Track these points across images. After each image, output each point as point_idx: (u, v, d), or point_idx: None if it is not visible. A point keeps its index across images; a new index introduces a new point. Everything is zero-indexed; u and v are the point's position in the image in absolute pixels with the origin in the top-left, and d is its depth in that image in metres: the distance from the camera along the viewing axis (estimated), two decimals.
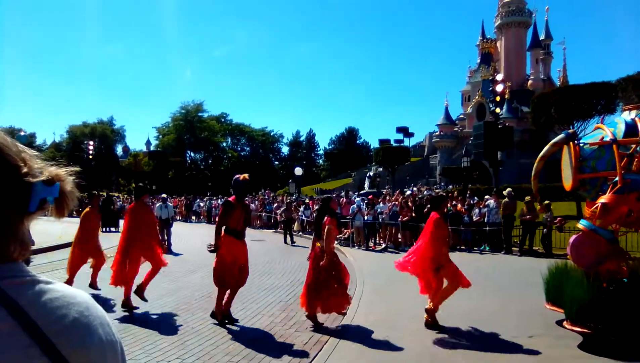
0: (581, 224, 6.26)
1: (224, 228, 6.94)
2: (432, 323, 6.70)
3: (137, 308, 7.57)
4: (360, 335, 6.43)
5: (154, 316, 7.28)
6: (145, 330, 6.55)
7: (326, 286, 6.82)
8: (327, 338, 6.23)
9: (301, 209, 22.78)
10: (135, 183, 79.32)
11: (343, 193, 29.22)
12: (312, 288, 6.87)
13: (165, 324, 6.88)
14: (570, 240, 6.43)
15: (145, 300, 7.70)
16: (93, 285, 9.00)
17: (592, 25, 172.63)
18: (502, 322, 7.01)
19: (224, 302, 6.99)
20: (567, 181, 6.50)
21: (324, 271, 6.89)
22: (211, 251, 7.01)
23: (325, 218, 7.09)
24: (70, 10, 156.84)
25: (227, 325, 6.82)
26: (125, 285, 7.55)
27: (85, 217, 9.57)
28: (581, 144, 6.33)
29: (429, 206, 7.22)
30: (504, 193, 16.58)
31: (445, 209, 7.21)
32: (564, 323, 6.09)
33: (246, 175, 7.34)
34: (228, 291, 7.03)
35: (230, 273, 6.87)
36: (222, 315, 6.94)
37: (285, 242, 18.90)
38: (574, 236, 6.40)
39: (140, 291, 7.67)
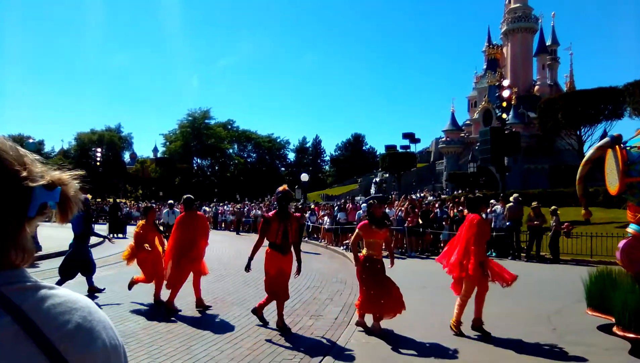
0: (632, 228, 6.16)
1: (265, 242, 7.17)
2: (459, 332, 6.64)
3: (180, 310, 8.00)
4: (365, 340, 6.41)
5: (159, 322, 7.29)
6: (150, 335, 6.56)
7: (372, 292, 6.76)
8: (333, 343, 6.22)
9: (307, 214, 22.80)
10: (142, 190, 79.86)
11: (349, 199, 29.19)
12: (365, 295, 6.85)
13: (170, 329, 6.89)
14: (620, 245, 6.32)
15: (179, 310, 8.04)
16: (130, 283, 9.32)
17: (599, 30, 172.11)
18: (508, 326, 6.96)
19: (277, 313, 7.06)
20: (613, 186, 6.26)
21: (361, 277, 6.90)
22: (246, 270, 7.18)
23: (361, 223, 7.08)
24: (78, 19, 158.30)
25: (231, 332, 6.82)
26: (173, 288, 8.04)
27: (139, 236, 9.00)
28: (628, 148, 6.13)
29: (465, 208, 7.08)
30: (510, 198, 16.52)
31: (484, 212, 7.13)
32: (614, 329, 5.92)
33: (285, 186, 7.39)
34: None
35: (277, 285, 6.97)
36: (278, 326, 6.97)
37: None
38: (624, 241, 6.28)
39: (201, 302, 8.28)
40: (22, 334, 0.83)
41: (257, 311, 7.25)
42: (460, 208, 17.00)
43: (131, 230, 25.67)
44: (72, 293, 0.96)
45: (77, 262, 9.11)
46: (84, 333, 0.89)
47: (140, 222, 9.28)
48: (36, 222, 0.97)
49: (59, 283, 8.36)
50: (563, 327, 6.96)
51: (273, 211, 7.22)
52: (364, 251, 7.03)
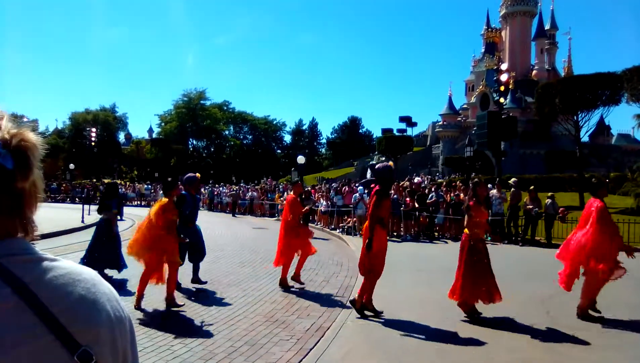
0: None
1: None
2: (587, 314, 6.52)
3: (292, 287, 8.39)
4: (362, 321, 6.45)
5: (157, 302, 7.30)
6: (148, 315, 6.59)
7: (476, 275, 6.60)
8: (329, 324, 6.26)
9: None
10: (137, 170, 79.55)
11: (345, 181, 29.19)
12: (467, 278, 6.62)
13: (167, 310, 6.91)
14: None
15: (303, 283, 8.58)
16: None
17: (598, 16, 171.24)
18: (502, 310, 7.02)
19: (361, 293, 6.83)
20: None
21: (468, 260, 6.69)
22: (368, 249, 6.66)
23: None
24: None
25: (228, 313, 6.84)
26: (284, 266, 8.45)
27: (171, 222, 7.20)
28: None
29: (589, 190, 6.81)
30: (510, 182, 16.54)
31: (604, 195, 6.84)
32: None
33: (390, 163, 7.23)
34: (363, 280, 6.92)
35: (382, 261, 6.80)
36: (361, 305, 6.77)
37: None
38: None
39: (297, 277, 8.63)
40: (22, 306, 0.82)
41: (368, 305, 6.79)
42: (457, 192, 17.03)
43: (130, 211, 25.66)
44: (76, 265, 0.94)
45: (186, 246, 8.00)
46: (87, 305, 0.88)
47: (163, 201, 7.17)
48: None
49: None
50: (556, 310, 7.02)
51: (376, 187, 6.85)
52: (467, 230, 6.83)
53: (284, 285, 8.37)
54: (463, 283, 6.59)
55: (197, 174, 8.86)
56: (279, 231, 8.70)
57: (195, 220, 8.66)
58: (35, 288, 0.84)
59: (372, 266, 6.72)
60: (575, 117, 26.20)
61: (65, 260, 0.94)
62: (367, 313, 6.70)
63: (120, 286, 8.30)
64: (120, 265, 8.97)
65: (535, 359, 5.09)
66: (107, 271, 8.98)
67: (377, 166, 7.16)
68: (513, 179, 16.76)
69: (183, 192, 8.19)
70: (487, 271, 6.63)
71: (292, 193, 9.03)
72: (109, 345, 0.90)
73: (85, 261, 8.59)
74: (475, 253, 6.66)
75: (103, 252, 8.89)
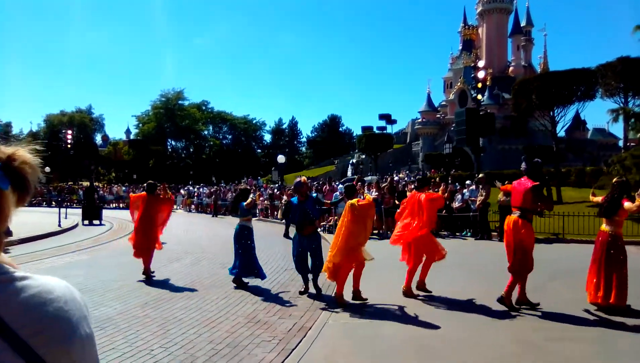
0: None
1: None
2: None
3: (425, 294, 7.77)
4: (344, 321, 6.44)
5: (136, 307, 7.19)
6: (126, 320, 6.46)
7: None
8: (312, 324, 6.22)
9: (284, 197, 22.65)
10: (115, 172, 78.44)
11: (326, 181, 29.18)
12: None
13: (147, 314, 6.79)
14: None
15: (429, 292, 7.84)
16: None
17: (573, 12, 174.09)
18: (486, 305, 7.08)
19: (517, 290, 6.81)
20: None
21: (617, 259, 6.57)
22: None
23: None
24: None
25: (209, 315, 6.76)
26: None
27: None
28: None
29: (616, 193, 6.74)
30: (479, 177, 16.56)
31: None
32: None
33: (538, 160, 7.04)
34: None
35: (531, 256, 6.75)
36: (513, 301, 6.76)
37: (286, 236, 16.77)
38: None
39: (422, 286, 7.96)
40: None
41: (522, 298, 6.82)
42: (436, 189, 17.12)
43: (107, 214, 25.27)
44: (48, 281, 0.90)
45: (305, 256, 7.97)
46: (59, 325, 0.85)
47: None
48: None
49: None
50: (545, 303, 7.09)
51: (533, 182, 6.75)
52: (607, 229, 6.74)
53: (408, 294, 7.66)
54: (618, 284, 6.47)
55: (303, 178, 8.97)
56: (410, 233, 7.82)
57: (305, 226, 8.05)
58: (3, 311, 0.80)
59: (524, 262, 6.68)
60: (551, 113, 26.60)
61: (37, 277, 0.90)
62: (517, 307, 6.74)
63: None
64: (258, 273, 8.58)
65: (518, 354, 5.13)
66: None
67: (534, 162, 6.99)
68: (481, 175, 16.90)
69: (292, 199, 8.32)
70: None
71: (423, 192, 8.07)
72: None
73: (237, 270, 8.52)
74: (622, 252, 6.63)
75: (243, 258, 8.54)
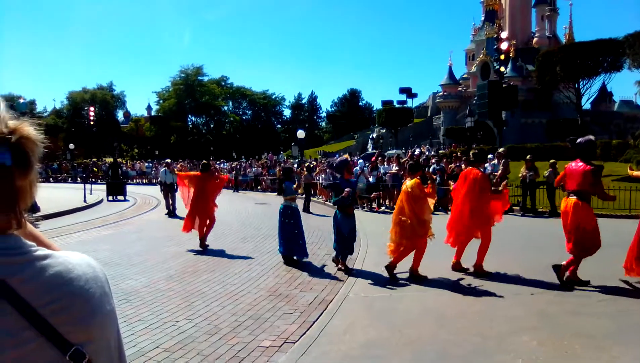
0: None
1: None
2: None
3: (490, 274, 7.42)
4: (364, 294, 6.53)
5: (160, 280, 7.38)
6: (151, 293, 6.65)
7: None
8: (332, 297, 6.32)
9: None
10: (137, 149, 79.43)
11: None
12: None
13: (171, 287, 6.98)
14: None
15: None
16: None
17: None
18: (504, 278, 7.09)
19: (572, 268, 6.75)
20: None
21: None
22: None
23: None
24: None
25: (232, 289, 6.91)
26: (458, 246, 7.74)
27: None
28: None
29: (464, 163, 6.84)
30: (500, 151, 16.36)
31: None
32: None
33: (591, 138, 6.88)
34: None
35: (598, 236, 6.69)
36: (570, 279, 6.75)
37: (305, 210, 16.34)
38: None
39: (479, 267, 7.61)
40: (9, 310, 0.80)
41: (574, 278, 6.73)
42: (458, 163, 17.00)
43: (131, 189, 25.70)
44: (69, 259, 0.91)
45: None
46: (80, 303, 0.87)
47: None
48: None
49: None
50: (555, 278, 7.07)
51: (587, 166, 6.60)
52: None
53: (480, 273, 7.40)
54: None
55: (346, 156, 8.96)
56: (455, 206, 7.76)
57: (351, 205, 8.04)
58: (23, 291, 0.82)
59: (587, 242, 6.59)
60: (576, 85, 26.04)
61: (58, 255, 0.91)
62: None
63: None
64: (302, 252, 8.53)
65: (533, 327, 5.15)
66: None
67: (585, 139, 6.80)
68: (501, 149, 16.67)
69: (338, 180, 8.24)
70: None
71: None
72: (102, 340, 0.89)
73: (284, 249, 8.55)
74: None
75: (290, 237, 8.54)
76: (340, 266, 7.91)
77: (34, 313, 0.81)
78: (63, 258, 0.90)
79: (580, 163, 6.64)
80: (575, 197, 6.63)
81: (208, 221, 10.21)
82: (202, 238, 10.00)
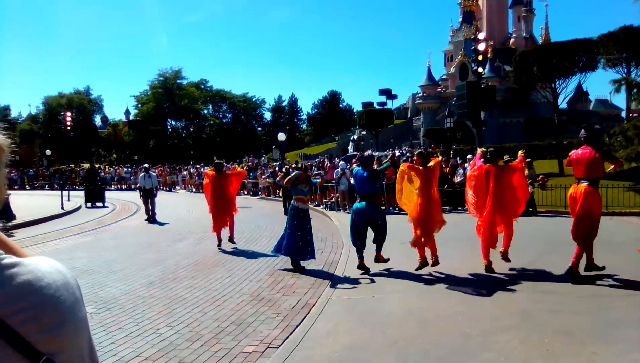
0: None
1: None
2: None
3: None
4: (347, 297, 6.51)
5: (141, 287, 7.27)
6: (131, 300, 6.55)
7: None
8: (315, 300, 6.30)
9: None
10: (116, 154, 78.37)
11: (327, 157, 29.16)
12: None
13: (152, 294, 6.88)
14: None
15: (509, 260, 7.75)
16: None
17: None
18: (486, 278, 7.15)
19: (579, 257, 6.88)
20: None
21: None
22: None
23: None
24: None
25: (214, 294, 6.84)
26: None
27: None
28: None
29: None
30: (478, 151, 16.51)
31: None
32: None
33: (598, 127, 7.25)
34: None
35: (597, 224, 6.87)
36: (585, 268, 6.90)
37: (286, 213, 17.07)
38: None
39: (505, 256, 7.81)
40: None
41: (591, 262, 6.94)
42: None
43: (110, 195, 25.37)
44: (39, 266, 0.88)
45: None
46: (50, 313, 0.84)
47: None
48: None
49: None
50: (538, 277, 7.17)
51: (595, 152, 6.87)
52: None
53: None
54: None
55: (368, 152, 9.21)
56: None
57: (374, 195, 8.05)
58: None
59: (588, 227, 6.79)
60: (553, 85, 26.39)
61: (27, 261, 0.88)
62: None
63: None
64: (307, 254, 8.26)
65: (514, 326, 5.20)
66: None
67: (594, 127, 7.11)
68: (481, 149, 16.82)
69: (358, 169, 8.17)
70: None
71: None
72: (74, 349, 0.87)
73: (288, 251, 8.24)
74: None
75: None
76: (382, 260, 7.96)
77: (1, 323, 0.78)
78: (32, 265, 0.87)
79: (587, 149, 6.83)
80: (586, 183, 6.81)
81: (228, 220, 10.62)
82: (230, 236, 10.58)
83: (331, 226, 13.47)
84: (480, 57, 20.93)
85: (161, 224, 15.06)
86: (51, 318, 0.84)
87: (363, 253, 7.83)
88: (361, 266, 7.76)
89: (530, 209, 14.99)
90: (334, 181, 17.69)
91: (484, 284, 6.85)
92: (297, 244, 8.14)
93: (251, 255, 9.55)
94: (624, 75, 24.58)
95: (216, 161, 11.38)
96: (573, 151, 7.17)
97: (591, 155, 6.74)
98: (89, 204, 21.63)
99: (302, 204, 8.43)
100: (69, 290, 0.89)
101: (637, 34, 24.10)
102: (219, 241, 10.49)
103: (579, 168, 6.91)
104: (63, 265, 0.94)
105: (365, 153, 8.92)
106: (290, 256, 8.26)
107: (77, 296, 0.92)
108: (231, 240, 10.56)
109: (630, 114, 29.95)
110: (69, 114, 31.03)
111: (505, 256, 7.70)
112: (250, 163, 34.65)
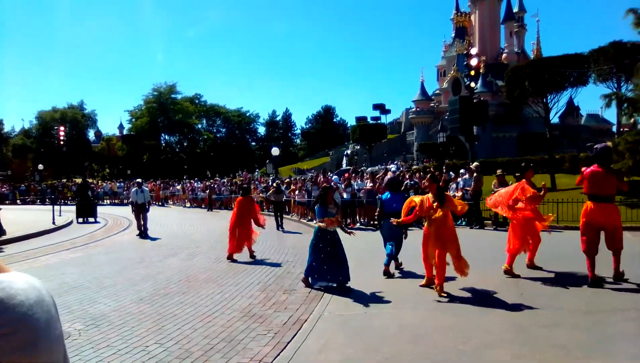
0: None
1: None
2: None
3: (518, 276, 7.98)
4: (339, 313, 6.44)
5: (130, 303, 7.17)
6: (120, 316, 6.44)
7: None
8: (307, 317, 6.22)
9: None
10: (109, 168, 78.09)
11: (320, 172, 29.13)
12: None
13: (141, 310, 6.78)
14: None
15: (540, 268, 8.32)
16: None
17: None
18: (479, 293, 7.10)
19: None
20: None
21: None
22: None
23: None
24: None
25: (204, 310, 6.75)
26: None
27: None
28: None
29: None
30: (472, 167, 16.61)
31: None
32: None
33: (609, 143, 7.61)
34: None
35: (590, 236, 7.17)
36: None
37: (278, 229, 16.88)
38: None
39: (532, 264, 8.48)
40: None
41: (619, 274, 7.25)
42: (422, 180, 17.12)
43: (102, 210, 25.19)
44: (12, 283, 0.84)
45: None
46: (23, 332, 0.80)
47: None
48: None
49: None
50: (530, 291, 7.13)
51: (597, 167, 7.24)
52: None
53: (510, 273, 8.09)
54: None
55: (389, 174, 9.40)
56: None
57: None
58: None
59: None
60: (544, 99, 26.57)
61: (1, 277, 0.84)
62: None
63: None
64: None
65: (508, 341, 5.15)
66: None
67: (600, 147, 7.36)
68: (475, 164, 16.89)
69: (385, 194, 9.01)
70: None
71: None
72: None
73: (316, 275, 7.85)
74: None
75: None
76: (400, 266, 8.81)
77: None
78: (6, 282, 0.83)
79: (600, 169, 7.13)
80: (608, 201, 7.19)
81: (246, 242, 10.85)
82: (249, 250, 10.90)
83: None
84: (472, 72, 21.13)
85: (153, 239, 14.93)
86: (24, 337, 0.80)
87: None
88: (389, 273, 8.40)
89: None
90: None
91: (477, 298, 6.80)
92: (312, 263, 7.83)
93: (242, 271, 9.46)
94: (614, 90, 24.84)
95: (244, 185, 12.07)
96: (586, 169, 7.40)
97: (608, 174, 7.12)
98: (80, 220, 21.46)
99: (331, 226, 7.87)
100: (43, 308, 0.85)
101: (627, 49, 24.42)
102: (230, 256, 10.70)
103: (599, 186, 7.20)
104: (40, 281, 0.91)
105: (390, 176, 9.20)
106: (337, 281, 7.70)
107: (53, 313, 0.88)
108: (252, 256, 10.87)
109: (621, 129, 30.21)
110: (62, 128, 30.97)
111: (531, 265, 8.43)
112: (244, 178, 34.56)
